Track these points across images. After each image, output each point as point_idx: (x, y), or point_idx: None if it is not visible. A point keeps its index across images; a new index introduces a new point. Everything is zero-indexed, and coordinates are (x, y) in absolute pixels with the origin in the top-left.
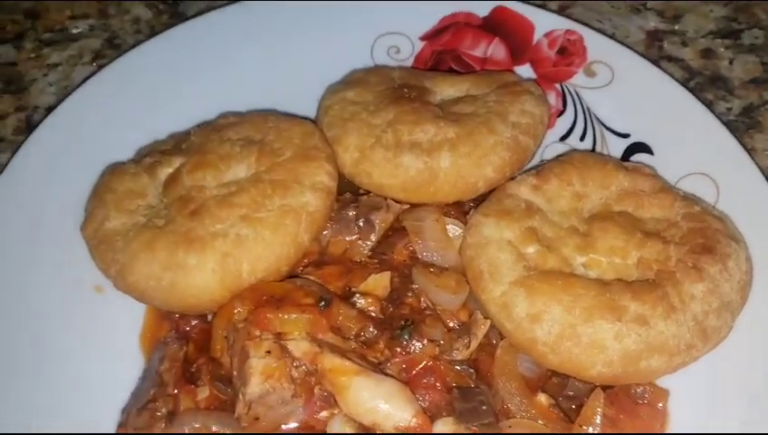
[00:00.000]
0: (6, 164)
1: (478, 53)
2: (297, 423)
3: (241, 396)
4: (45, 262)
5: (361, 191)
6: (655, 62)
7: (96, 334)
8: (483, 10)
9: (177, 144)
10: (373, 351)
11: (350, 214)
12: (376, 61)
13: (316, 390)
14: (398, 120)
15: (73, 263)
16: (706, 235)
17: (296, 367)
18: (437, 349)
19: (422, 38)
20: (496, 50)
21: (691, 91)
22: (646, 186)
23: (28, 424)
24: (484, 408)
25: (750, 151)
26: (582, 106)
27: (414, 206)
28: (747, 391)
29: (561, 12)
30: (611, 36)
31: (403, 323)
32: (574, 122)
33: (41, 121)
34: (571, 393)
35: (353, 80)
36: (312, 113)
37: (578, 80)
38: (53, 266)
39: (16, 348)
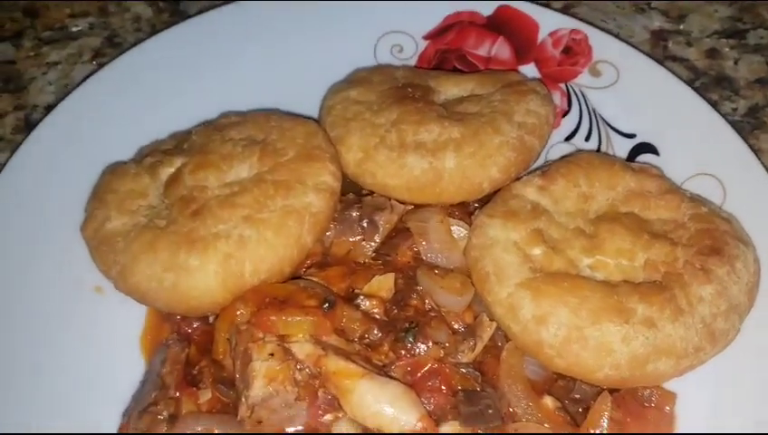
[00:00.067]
0: (5, 163)
1: (482, 52)
2: (301, 427)
3: (244, 399)
4: (45, 263)
5: (364, 192)
6: (660, 62)
7: (96, 336)
8: (487, 9)
9: (179, 144)
10: (377, 353)
11: (354, 215)
12: (379, 60)
13: (320, 393)
14: (402, 120)
15: (73, 264)
16: (714, 236)
17: (299, 370)
18: (442, 351)
19: (426, 37)
20: (501, 49)
21: (696, 91)
22: (653, 187)
23: (28, 426)
24: (490, 411)
25: (756, 152)
26: (587, 106)
27: (418, 206)
28: (755, 393)
29: (565, 11)
30: (616, 36)
31: (408, 325)
32: (579, 122)
33: (40, 120)
34: (577, 396)
35: (356, 79)
36: (314, 113)
37: (583, 79)
38: (53, 267)
39: (16, 350)
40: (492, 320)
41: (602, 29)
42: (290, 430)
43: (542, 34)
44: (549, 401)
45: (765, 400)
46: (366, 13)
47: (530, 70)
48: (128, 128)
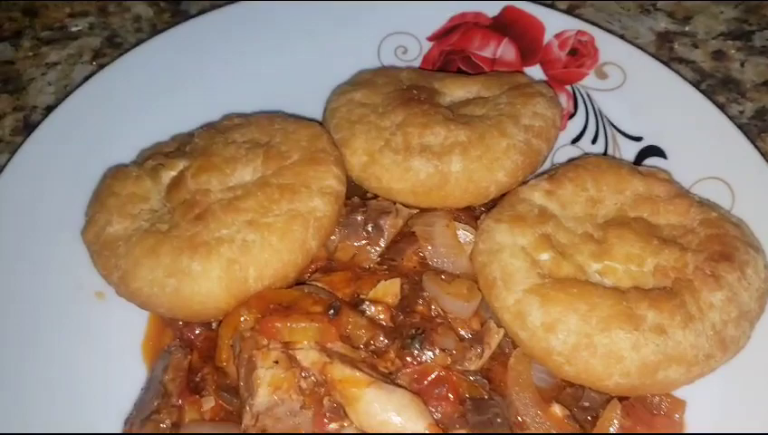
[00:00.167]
0: (4, 166)
1: (487, 53)
2: None
3: (248, 407)
4: (45, 267)
5: (369, 195)
6: (666, 64)
7: (97, 342)
8: (492, 10)
9: (181, 146)
10: (383, 360)
11: (359, 219)
12: (383, 61)
13: (325, 401)
14: (407, 123)
15: (74, 268)
16: (724, 242)
17: (305, 377)
18: (450, 359)
19: (430, 38)
20: (506, 50)
21: (704, 93)
22: (661, 191)
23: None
24: (498, 420)
25: (764, 155)
26: (594, 108)
27: (424, 210)
28: (765, 401)
29: (569, 12)
30: (621, 37)
31: (414, 331)
32: (585, 125)
33: (39, 122)
34: (586, 404)
35: (360, 81)
36: (317, 114)
37: (589, 81)
38: (53, 272)
39: (13, 356)
40: (499, 326)
41: (608, 30)
42: None
43: (547, 36)
44: (557, 409)
45: None
46: (370, 14)
47: (535, 71)
48: (129, 130)
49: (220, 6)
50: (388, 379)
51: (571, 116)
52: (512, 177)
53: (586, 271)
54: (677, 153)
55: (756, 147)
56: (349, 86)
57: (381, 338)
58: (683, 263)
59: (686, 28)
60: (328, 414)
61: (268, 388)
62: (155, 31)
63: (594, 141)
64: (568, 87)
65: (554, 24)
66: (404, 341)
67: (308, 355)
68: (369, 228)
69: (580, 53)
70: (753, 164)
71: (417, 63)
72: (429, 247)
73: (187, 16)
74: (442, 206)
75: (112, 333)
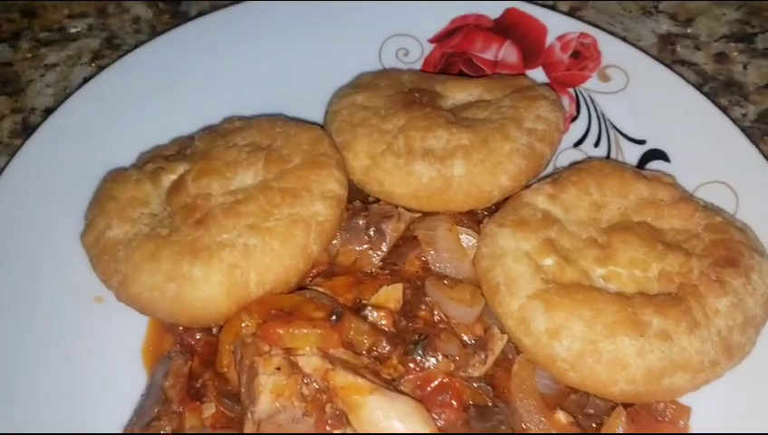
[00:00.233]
0: (3, 168)
1: (489, 55)
2: None
3: (249, 415)
4: (43, 271)
5: (371, 199)
6: (668, 67)
7: (96, 347)
8: (494, 12)
9: (181, 149)
10: (386, 367)
11: (361, 223)
12: (384, 63)
13: (327, 408)
14: (409, 126)
15: (73, 273)
16: (729, 247)
17: (306, 384)
18: (453, 365)
19: (431, 40)
20: (508, 53)
21: (707, 96)
22: (665, 195)
23: None
24: (503, 428)
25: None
26: (596, 111)
27: (426, 214)
28: None
29: (570, 14)
30: (623, 39)
31: (416, 337)
32: (588, 128)
33: (38, 124)
34: (591, 411)
35: (362, 83)
36: (318, 117)
37: (592, 84)
38: (52, 276)
39: (11, 361)
40: (503, 332)
41: (610, 32)
42: None
43: (550, 38)
44: (562, 416)
45: None
46: (371, 15)
47: (538, 74)
48: (128, 132)
49: (220, 8)
50: (391, 385)
51: (574, 119)
52: (515, 181)
53: (590, 276)
54: (681, 157)
55: (760, 150)
56: (350, 89)
57: (384, 344)
58: (688, 268)
59: (689, 30)
60: (330, 421)
61: (270, 395)
62: (154, 32)
63: (597, 145)
64: (570, 90)
65: (557, 26)
66: (407, 347)
67: (310, 362)
68: (371, 233)
69: (583, 56)
70: (756, 168)
71: (418, 66)
72: (432, 252)
73: (186, 18)
74: (444, 210)
75: (112, 338)
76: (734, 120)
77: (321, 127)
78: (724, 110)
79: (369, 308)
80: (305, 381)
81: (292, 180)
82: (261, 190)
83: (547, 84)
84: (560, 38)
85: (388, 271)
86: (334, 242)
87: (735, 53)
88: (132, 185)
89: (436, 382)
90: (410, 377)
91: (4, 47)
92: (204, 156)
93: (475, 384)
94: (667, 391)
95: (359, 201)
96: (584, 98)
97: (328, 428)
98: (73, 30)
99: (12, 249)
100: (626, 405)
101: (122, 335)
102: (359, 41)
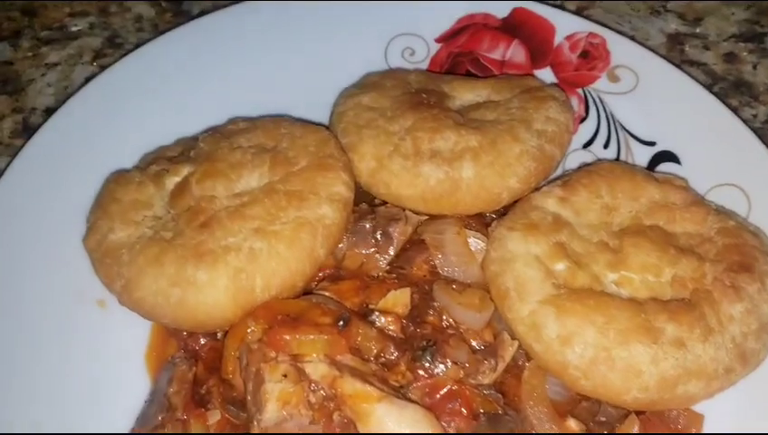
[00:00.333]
0: (4, 170)
1: (497, 55)
2: None
3: (256, 422)
4: (45, 275)
5: (377, 202)
6: (678, 67)
7: (98, 353)
8: (501, 11)
9: (185, 151)
10: (394, 373)
11: (367, 226)
12: (390, 63)
13: (335, 416)
14: (417, 128)
15: (75, 276)
16: (743, 251)
17: (314, 391)
18: (462, 372)
19: (438, 40)
20: (516, 53)
21: (717, 97)
22: (677, 198)
23: None
24: None
25: None
26: (606, 112)
27: (433, 217)
28: None
29: (578, 13)
30: (631, 39)
31: (425, 343)
32: (597, 129)
33: (39, 124)
34: (603, 419)
35: (368, 84)
36: (323, 118)
37: (601, 85)
38: (54, 280)
39: (12, 365)
40: (513, 338)
41: (618, 32)
42: None
43: (558, 38)
44: (573, 424)
45: None
46: (376, 14)
47: (546, 74)
48: (131, 133)
49: (222, 7)
50: (400, 393)
51: (583, 120)
52: (524, 183)
53: (602, 281)
54: (692, 159)
55: None
56: (356, 89)
57: (392, 350)
58: (701, 273)
59: (697, 30)
60: (338, 430)
61: (277, 403)
62: (156, 31)
63: (606, 146)
64: (579, 90)
65: (565, 25)
66: (415, 353)
67: (317, 368)
68: (378, 236)
69: (592, 56)
70: None
71: (424, 65)
72: (440, 256)
73: (189, 17)
74: (452, 213)
75: (114, 343)
76: (744, 122)
77: (327, 128)
78: (734, 111)
79: (377, 313)
80: (312, 388)
81: (299, 183)
82: (266, 193)
83: (556, 85)
84: (568, 38)
85: (395, 275)
86: (341, 245)
87: (745, 53)
88: (135, 187)
89: (445, 390)
90: (419, 384)
91: (5, 46)
92: (208, 158)
93: (484, 392)
94: (681, 398)
95: (365, 204)
96: (593, 98)
97: None
98: (75, 28)
99: (13, 252)
100: (638, 412)
101: (125, 340)
102: (364, 40)
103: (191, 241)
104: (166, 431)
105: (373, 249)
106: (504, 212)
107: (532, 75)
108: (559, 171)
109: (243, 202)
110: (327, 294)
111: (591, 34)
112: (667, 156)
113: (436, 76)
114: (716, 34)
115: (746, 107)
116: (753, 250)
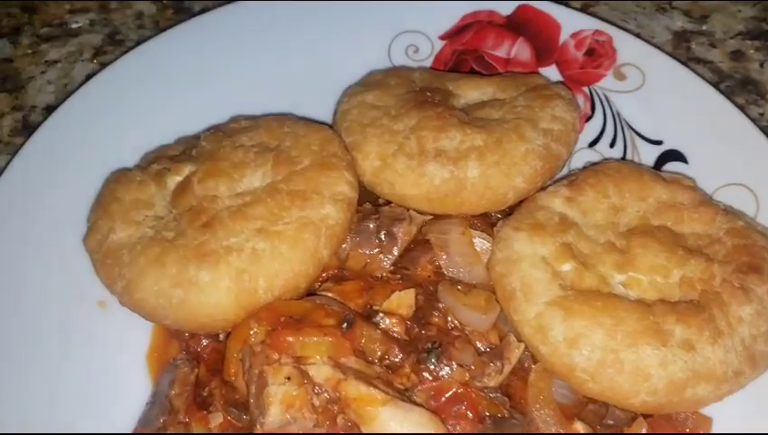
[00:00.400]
0: (4, 169)
1: (501, 53)
2: None
3: (259, 426)
4: (45, 275)
5: (381, 201)
6: (685, 66)
7: (99, 354)
8: (506, 8)
9: (187, 150)
10: (399, 376)
11: (371, 226)
12: (393, 61)
13: (339, 419)
14: (421, 126)
15: (75, 277)
16: (752, 252)
17: (317, 394)
18: (468, 374)
19: (442, 37)
20: (520, 50)
21: (725, 95)
22: (685, 198)
23: None
24: None
25: None
26: (612, 111)
27: (438, 217)
28: None
29: (583, 11)
30: (637, 37)
31: (430, 345)
32: (603, 128)
33: (39, 122)
34: (610, 422)
35: (372, 82)
36: (327, 117)
37: (607, 83)
38: (54, 280)
39: (12, 367)
40: (519, 340)
41: (624, 29)
42: None
43: (564, 35)
44: (580, 427)
45: None
46: (380, 12)
47: (551, 72)
48: (132, 132)
49: (224, 4)
50: (405, 396)
51: (588, 118)
52: (530, 183)
53: (609, 283)
54: (699, 158)
55: None
56: (360, 87)
57: (396, 352)
58: (710, 274)
59: (704, 27)
60: (342, 433)
61: (280, 406)
62: (158, 28)
63: (612, 145)
64: (585, 88)
65: (571, 22)
66: (420, 355)
67: (321, 371)
68: (382, 236)
69: (598, 54)
70: None
71: (428, 63)
72: (444, 256)
73: (190, 14)
74: (457, 212)
75: (115, 344)
76: (751, 120)
77: (330, 127)
78: (740, 109)
79: (381, 315)
80: (316, 391)
81: (302, 182)
82: (269, 193)
83: (561, 83)
84: (574, 35)
85: (399, 275)
86: (344, 246)
87: (752, 51)
88: (136, 186)
89: (450, 393)
90: (424, 387)
91: (4, 43)
92: (210, 157)
93: (490, 394)
94: (690, 402)
95: (369, 203)
96: (599, 97)
97: None
98: (75, 25)
99: (12, 251)
100: (645, 415)
101: (126, 341)
102: (367, 38)
103: (193, 241)
104: (167, 434)
105: (377, 249)
106: (509, 212)
107: (538, 73)
108: (564, 171)
109: (245, 202)
110: (330, 295)
111: (597, 32)
112: (674, 155)
113: (440, 74)
114: (723, 32)
115: (753, 105)
116: (763, 251)
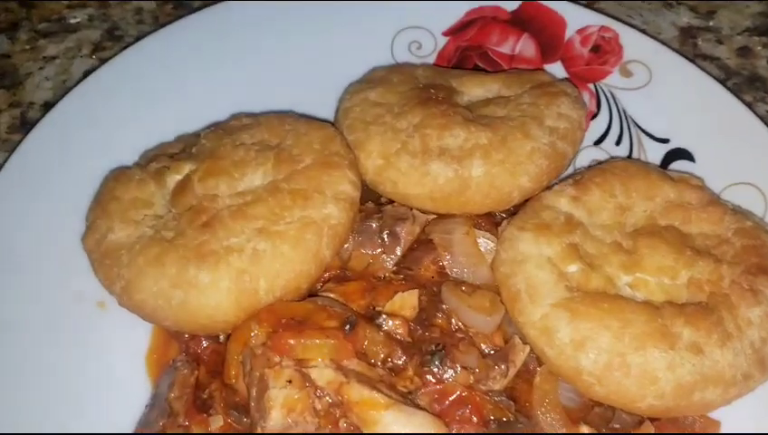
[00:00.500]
0: (1, 166)
1: (506, 49)
2: None
3: (260, 429)
4: (43, 275)
5: (383, 200)
6: (693, 62)
7: (98, 355)
8: (511, 4)
9: (187, 148)
10: (402, 379)
11: (374, 226)
12: (396, 57)
13: (341, 423)
14: (425, 124)
15: (74, 277)
16: (761, 253)
17: (319, 398)
18: (472, 377)
19: (445, 33)
20: (525, 46)
21: (732, 93)
22: (693, 198)
23: None
24: None
25: None
26: (618, 108)
27: (442, 217)
28: None
29: (588, 7)
30: (643, 33)
31: (433, 347)
32: (609, 126)
33: (37, 119)
34: (617, 426)
35: (375, 79)
36: (328, 114)
37: (613, 80)
38: (52, 280)
39: (9, 369)
40: (524, 343)
41: (630, 26)
42: None
43: (569, 31)
44: (586, 431)
45: None
46: (383, 8)
47: (556, 69)
48: (131, 129)
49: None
50: (408, 399)
51: (594, 116)
52: (536, 182)
53: (616, 284)
54: (706, 156)
55: None
56: (362, 84)
57: (399, 355)
58: (718, 276)
59: (710, 23)
60: None
61: (281, 409)
62: (157, 24)
63: (618, 143)
64: (590, 85)
65: (576, 18)
66: (423, 358)
67: (323, 374)
68: (385, 236)
69: (604, 50)
70: None
71: (431, 60)
72: (448, 256)
73: (190, 9)
74: (461, 212)
75: (114, 345)
76: (759, 118)
77: (332, 124)
78: (748, 106)
79: (384, 316)
80: (318, 394)
81: (303, 181)
82: (270, 192)
83: (567, 80)
84: (579, 31)
85: (402, 276)
86: (346, 246)
87: (759, 48)
88: (135, 185)
89: (454, 396)
90: (427, 390)
91: (2, 39)
92: (210, 155)
93: (495, 398)
94: (698, 405)
95: (371, 203)
96: (605, 94)
97: None
98: (73, 21)
99: (9, 251)
100: (653, 419)
101: (125, 342)
102: (370, 34)
103: (193, 241)
104: None
105: (380, 249)
106: (514, 211)
107: (543, 70)
108: (570, 169)
109: (246, 201)
110: (332, 296)
111: (603, 28)
112: (681, 153)
113: (444, 71)
114: (730, 28)
115: (760, 102)
116: None
